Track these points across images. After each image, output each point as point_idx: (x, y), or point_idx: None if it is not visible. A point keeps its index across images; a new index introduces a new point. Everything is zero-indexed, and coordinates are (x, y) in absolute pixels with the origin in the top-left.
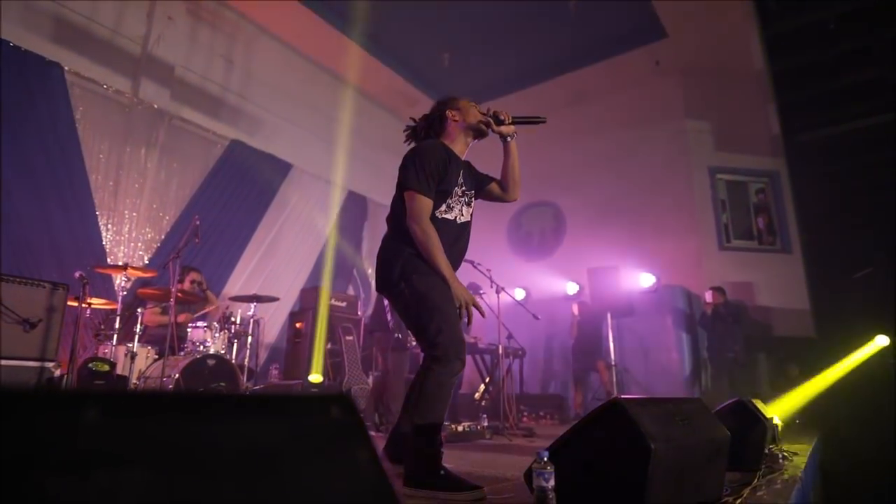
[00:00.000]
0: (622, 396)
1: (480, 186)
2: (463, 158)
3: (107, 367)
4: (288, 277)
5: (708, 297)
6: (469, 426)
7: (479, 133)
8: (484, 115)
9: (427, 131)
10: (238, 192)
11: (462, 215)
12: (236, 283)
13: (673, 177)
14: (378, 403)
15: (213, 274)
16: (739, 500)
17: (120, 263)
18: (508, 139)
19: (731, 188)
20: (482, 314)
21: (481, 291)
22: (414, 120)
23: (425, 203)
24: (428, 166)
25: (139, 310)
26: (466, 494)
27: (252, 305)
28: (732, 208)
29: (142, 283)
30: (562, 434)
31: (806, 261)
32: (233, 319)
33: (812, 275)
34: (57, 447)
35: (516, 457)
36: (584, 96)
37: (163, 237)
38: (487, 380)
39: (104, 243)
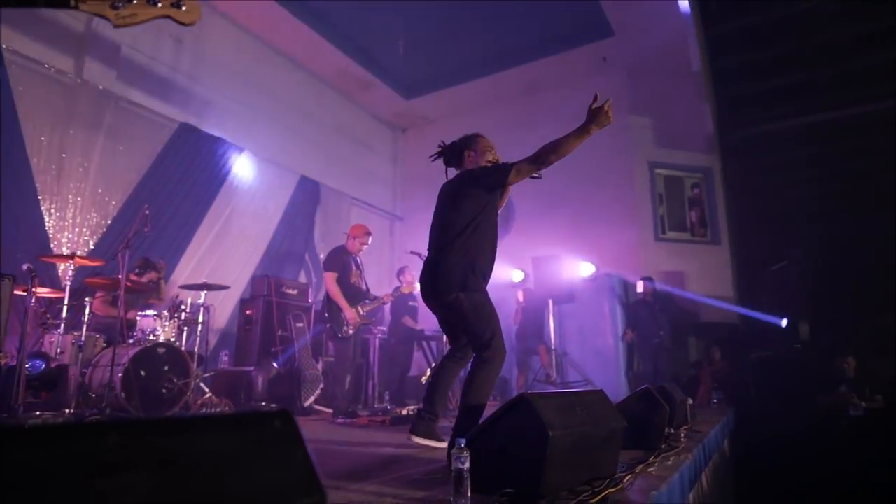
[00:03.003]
0: (529, 392)
1: None
2: None
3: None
4: (238, 263)
5: (640, 287)
6: (416, 408)
7: None
8: (494, 158)
9: (450, 157)
10: (187, 175)
11: None
12: (185, 269)
13: (615, 170)
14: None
15: (162, 259)
16: (629, 477)
17: (65, 251)
18: None
19: (668, 182)
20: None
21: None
22: (443, 143)
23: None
24: None
25: (87, 299)
26: None
27: (202, 293)
28: (669, 201)
29: (89, 271)
30: (479, 424)
31: (732, 252)
32: (183, 307)
33: (737, 265)
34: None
35: None
36: (536, 88)
37: (109, 222)
38: (434, 365)
39: (47, 228)
